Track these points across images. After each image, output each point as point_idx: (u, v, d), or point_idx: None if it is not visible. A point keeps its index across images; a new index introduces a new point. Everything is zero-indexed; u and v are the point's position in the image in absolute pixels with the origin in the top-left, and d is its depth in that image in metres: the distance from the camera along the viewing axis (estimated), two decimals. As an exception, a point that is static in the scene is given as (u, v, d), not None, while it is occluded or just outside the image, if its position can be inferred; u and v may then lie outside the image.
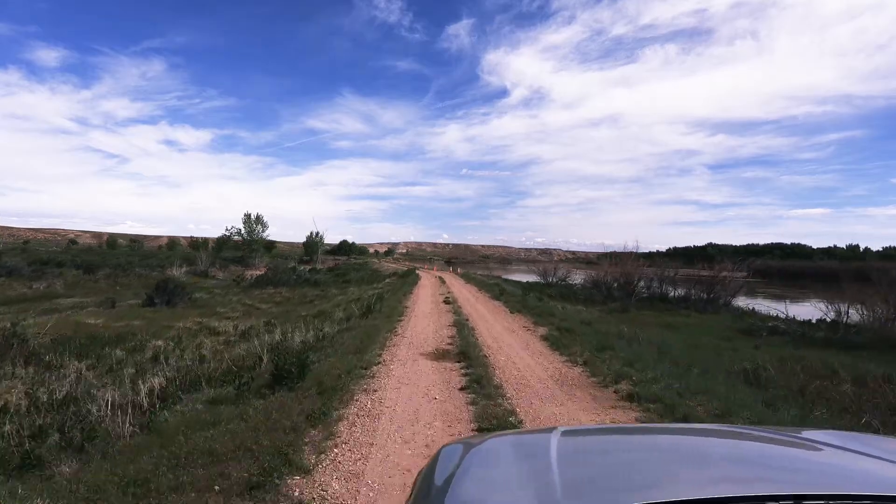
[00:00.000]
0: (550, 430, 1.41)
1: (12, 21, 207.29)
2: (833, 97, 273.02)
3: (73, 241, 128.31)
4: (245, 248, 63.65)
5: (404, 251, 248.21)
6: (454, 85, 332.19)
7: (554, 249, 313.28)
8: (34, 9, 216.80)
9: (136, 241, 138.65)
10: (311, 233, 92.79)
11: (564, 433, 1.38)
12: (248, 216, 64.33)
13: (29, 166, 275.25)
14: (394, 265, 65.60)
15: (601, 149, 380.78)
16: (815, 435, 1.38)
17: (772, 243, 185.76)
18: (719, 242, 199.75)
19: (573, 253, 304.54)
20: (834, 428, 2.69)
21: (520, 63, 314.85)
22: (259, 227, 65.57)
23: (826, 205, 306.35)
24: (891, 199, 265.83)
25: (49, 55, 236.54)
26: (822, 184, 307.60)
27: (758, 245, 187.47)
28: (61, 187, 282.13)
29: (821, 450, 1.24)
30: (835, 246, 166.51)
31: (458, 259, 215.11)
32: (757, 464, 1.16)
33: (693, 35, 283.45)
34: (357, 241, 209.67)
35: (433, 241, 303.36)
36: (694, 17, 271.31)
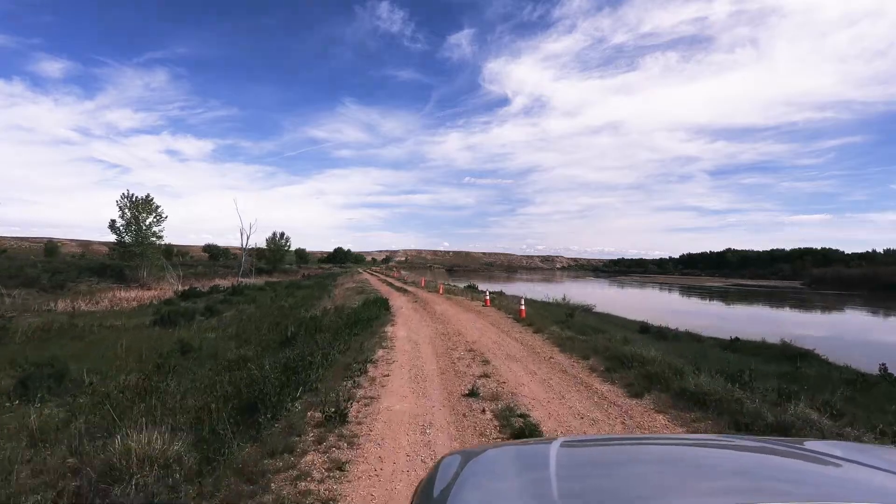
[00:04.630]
0: (550, 440, 1.32)
1: (17, 33, 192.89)
2: (832, 103, 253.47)
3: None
4: (125, 252, 38.19)
5: (403, 259, 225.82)
6: (455, 94, 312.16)
7: (556, 256, 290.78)
8: (39, 21, 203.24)
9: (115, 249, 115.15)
10: (274, 234, 67.38)
11: (564, 444, 1.29)
12: (127, 197, 37.97)
13: (30, 177, 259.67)
14: (374, 278, 40.15)
15: (602, 156, 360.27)
16: (819, 446, 1.30)
17: (801, 248, 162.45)
18: (738, 248, 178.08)
19: (575, 260, 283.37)
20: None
21: (520, 72, 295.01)
22: (152, 216, 39.03)
23: (826, 210, 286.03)
24: (891, 204, 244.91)
25: (53, 66, 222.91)
26: (823, 189, 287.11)
27: (784, 251, 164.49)
28: (62, 198, 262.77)
29: (824, 461, 1.15)
30: (873, 250, 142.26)
31: (459, 267, 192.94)
32: (760, 476, 1.08)
33: (693, 43, 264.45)
34: (358, 250, 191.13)
35: (433, 248, 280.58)
36: (694, 25, 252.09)
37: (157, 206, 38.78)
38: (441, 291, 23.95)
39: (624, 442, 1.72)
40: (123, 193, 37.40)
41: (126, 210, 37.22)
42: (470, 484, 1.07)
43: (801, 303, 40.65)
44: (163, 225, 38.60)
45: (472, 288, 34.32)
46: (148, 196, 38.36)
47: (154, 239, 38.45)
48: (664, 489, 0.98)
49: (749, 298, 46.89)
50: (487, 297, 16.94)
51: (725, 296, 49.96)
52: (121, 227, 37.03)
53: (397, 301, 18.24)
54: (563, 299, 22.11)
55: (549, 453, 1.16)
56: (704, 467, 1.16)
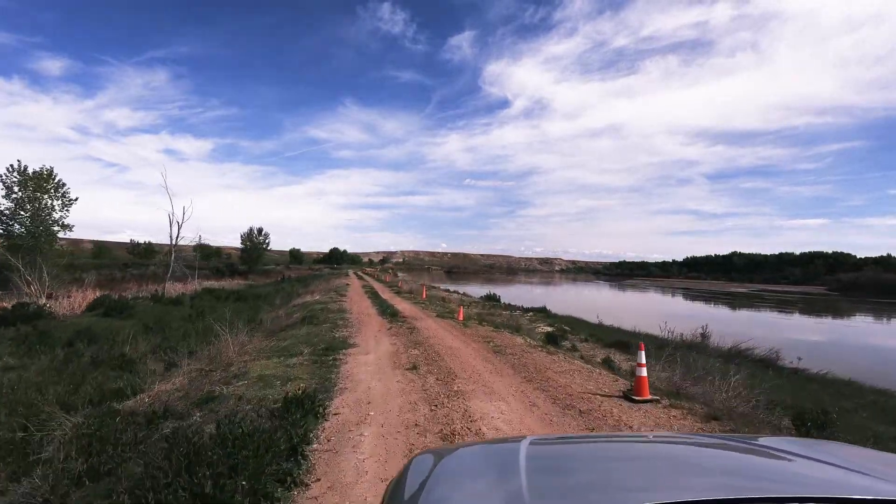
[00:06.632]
0: (520, 438, 1.32)
1: (18, 31, 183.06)
2: (832, 108, 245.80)
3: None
4: (11, 246, 24.08)
5: (401, 260, 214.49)
6: (456, 95, 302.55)
7: (554, 258, 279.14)
8: (40, 19, 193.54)
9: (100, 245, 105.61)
10: (251, 230, 56.16)
11: (533, 442, 1.29)
12: (17, 170, 25.59)
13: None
14: (359, 283, 29.39)
15: (601, 159, 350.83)
16: (772, 442, 1.34)
17: (811, 252, 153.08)
18: (740, 251, 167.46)
19: (574, 262, 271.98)
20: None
21: (521, 74, 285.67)
22: (55, 199, 26.76)
23: (824, 215, 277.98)
24: (889, 209, 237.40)
25: (53, 65, 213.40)
26: (821, 194, 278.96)
27: (793, 254, 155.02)
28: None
29: (776, 456, 1.18)
30: (889, 255, 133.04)
31: (458, 268, 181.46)
32: (723, 471, 1.12)
33: (694, 47, 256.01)
34: (357, 251, 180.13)
35: (432, 249, 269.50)
36: (695, 29, 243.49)
37: (63, 185, 27.42)
38: (461, 316, 12.77)
39: (590, 440, 1.68)
40: (10, 166, 25.85)
41: (15, 188, 25.85)
42: (441, 482, 1.05)
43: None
44: (69, 210, 27.18)
45: (495, 301, 22.96)
46: (50, 171, 26.99)
47: (57, 228, 27.07)
48: (628, 486, 0.96)
49: (835, 311, 35.97)
50: (642, 369, 4.98)
51: (785, 305, 39.08)
52: (6, 213, 25.59)
53: (364, 370, 7.17)
54: (705, 334, 11.02)
55: (519, 451, 1.15)
56: (667, 464, 1.16)
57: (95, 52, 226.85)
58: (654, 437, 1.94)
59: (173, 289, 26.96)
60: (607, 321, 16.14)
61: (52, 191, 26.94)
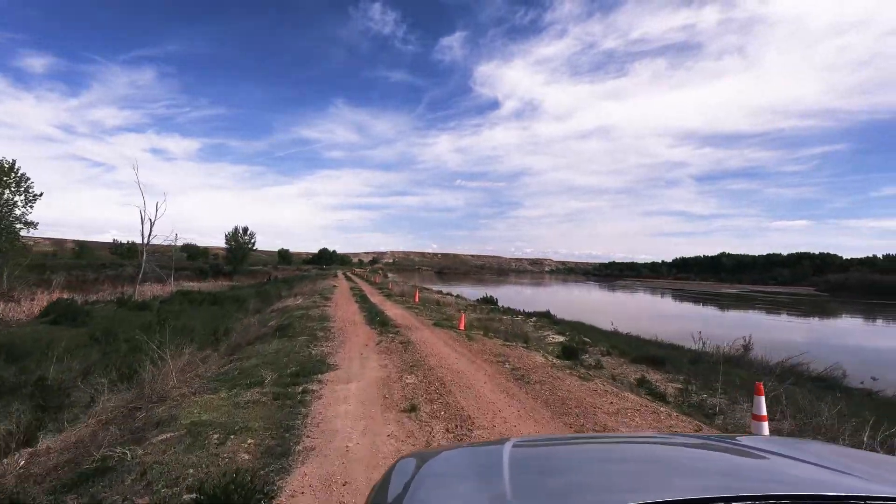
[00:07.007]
0: (503, 441, 1.31)
1: (0, 28, 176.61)
2: (818, 111, 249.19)
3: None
4: None
5: (391, 261, 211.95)
6: (446, 96, 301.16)
7: (544, 259, 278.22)
8: (24, 16, 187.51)
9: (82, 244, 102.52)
10: (236, 229, 53.98)
11: (517, 444, 1.29)
12: None
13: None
14: (346, 285, 27.83)
15: (591, 160, 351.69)
16: (750, 441, 1.34)
17: (798, 253, 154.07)
18: (728, 252, 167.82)
19: (563, 263, 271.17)
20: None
21: (512, 75, 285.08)
22: (17, 194, 24.13)
23: (808, 217, 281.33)
24: (871, 211, 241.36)
25: (37, 62, 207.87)
26: (806, 196, 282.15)
27: (780, 255, 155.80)
28: (45, 195, 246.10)
29: (755, 455, 1.18)
30: (874, 256, 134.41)
31: (449, 269, 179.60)
32: (698, 469, 1.11)
33: (683, 50, 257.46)
34: (347, 251, 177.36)
35: (422, 250, 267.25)
36: (683, 32, 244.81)
37: (27, 179, 25.10)
38: (463, 325, 11.03)
39: (574, 441, 1.65)
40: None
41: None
42: (425, 484, 1.05)
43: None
44: (32, 207, 24.85)
45: (493, 305, 21.16)
46: (11, 164, 24.61)
47: (20, 226, 24.77)
48: (612, 486, 0.97)
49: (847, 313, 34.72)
50: (763, 424, 3.19)
51: (781, 306, 37.74)
52: (-42, 208, 23.22)
53: (344, 411, 5.39)
54: (747, 346, 9.41)
55: (503, 454, 1.15)
56: (651, 464, 1.15)
57: (81, 49, 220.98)
58: (637, 437, 1.93)
59: (150, 291, 24.96)
60: (609, 324, 14.55)
61: (14, 185, 24.70)
